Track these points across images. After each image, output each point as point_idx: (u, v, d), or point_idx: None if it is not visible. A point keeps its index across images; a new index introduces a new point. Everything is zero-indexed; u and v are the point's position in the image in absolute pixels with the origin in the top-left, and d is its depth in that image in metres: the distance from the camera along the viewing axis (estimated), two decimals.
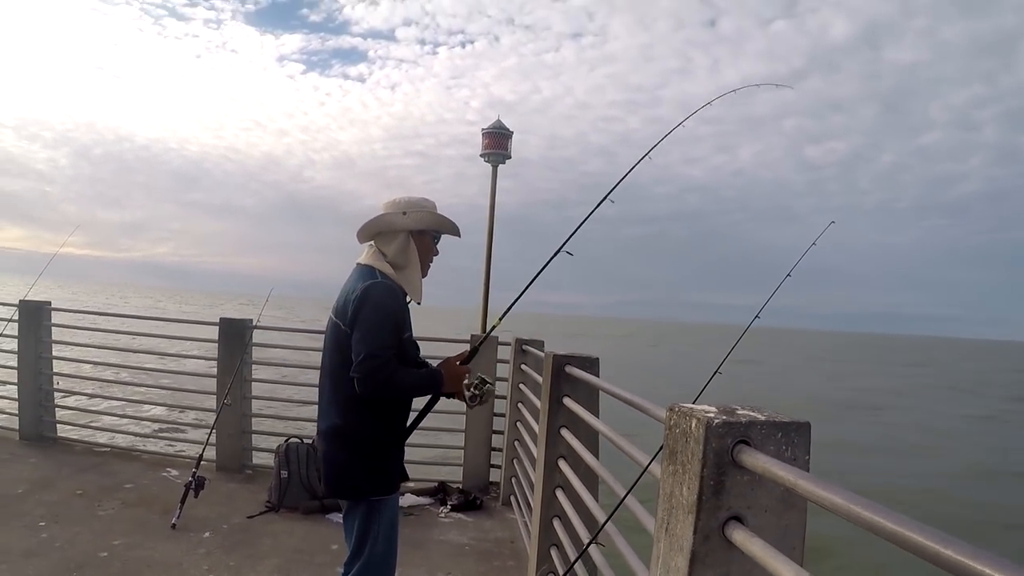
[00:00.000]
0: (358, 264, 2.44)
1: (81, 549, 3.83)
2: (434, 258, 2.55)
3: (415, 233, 2.45)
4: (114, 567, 3.65)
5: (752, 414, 1.27)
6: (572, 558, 2.73)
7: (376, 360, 2.21)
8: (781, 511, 1.27)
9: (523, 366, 5.03)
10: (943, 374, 47.71)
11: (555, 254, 2.69)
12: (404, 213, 2.41)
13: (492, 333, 3.17)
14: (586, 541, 2.54)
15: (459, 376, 2.49)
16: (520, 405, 5.05)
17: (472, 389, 2.51)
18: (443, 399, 2.58)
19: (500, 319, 2.75)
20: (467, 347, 2.76)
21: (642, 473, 1.89)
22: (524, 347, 5.06)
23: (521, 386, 5.07)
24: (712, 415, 1.24)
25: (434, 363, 2.63)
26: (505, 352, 5.61)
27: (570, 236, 2.68)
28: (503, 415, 5.44)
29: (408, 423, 2.54)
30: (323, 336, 2.50)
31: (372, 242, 2.46)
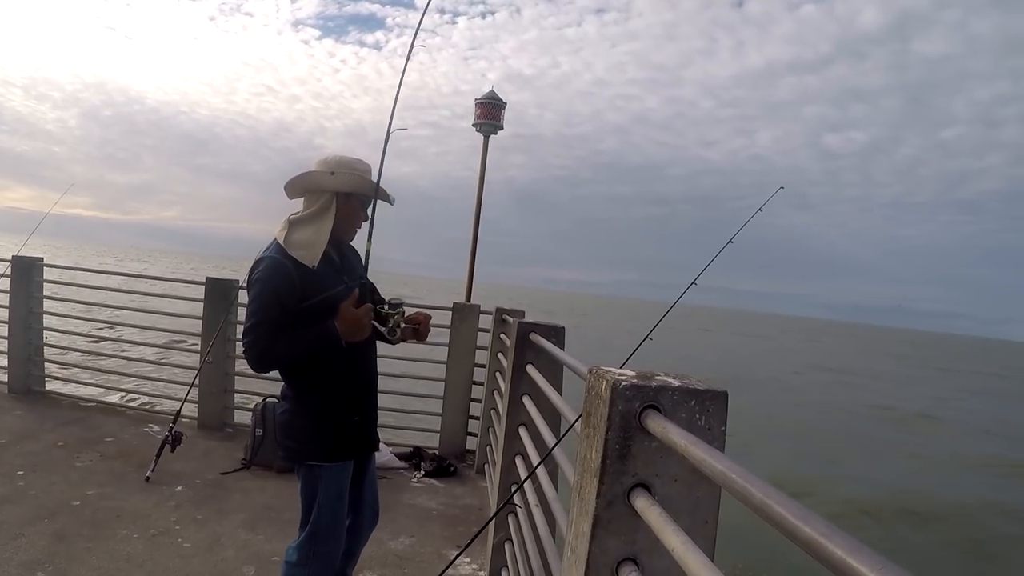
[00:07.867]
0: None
1: (55, 497, 3.87)
2: (363, 223, 2.38)
3: (341, 196, 2.31)
4: (84, 515, 3.69)
5: (667, 379, 1.23)
6: (527, 525, 2.73)
7: (248, 336, 2.16)
8: (692, 482, 1.22)
9: (502, 335, 5.01)
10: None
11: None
12: (332, 173, 2.28)
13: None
14: (536, 511, 2.54)
15: (359, 318, 2.23)
16: (497, 374, 5.04)
17: (383, 323, 2.32)
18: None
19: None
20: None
21: (566, 431, 1.88)
22: (504, 316, 5.03)
23: (499, 355, 5.07)
24: (623, 378, 1.21)
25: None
26: (487, 322, 5.61)
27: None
28: (481, 384, 5.45)
29: (367, 389, 2.42)
30: None
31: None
